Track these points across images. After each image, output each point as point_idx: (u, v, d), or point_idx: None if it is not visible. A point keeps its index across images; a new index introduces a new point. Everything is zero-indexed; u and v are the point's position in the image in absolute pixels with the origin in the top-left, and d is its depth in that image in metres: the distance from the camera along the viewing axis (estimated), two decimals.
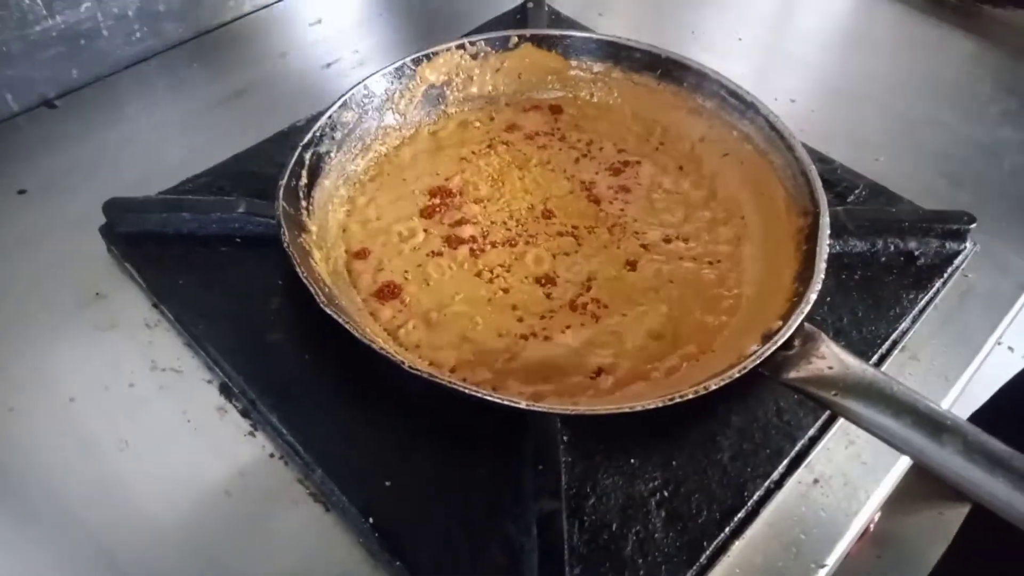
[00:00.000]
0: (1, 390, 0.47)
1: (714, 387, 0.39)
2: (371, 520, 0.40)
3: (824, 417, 0.46)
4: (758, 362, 0.40)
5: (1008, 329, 0.54)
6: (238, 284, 0.51)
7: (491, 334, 0.47)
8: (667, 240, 0.54)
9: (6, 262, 0.54)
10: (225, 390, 0.47)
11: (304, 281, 0.43)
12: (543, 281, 0.51)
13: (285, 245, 0.45)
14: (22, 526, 0.42)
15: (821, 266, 0.45)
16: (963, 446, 0.35)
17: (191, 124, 0.65)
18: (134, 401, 0.47)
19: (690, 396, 0.39)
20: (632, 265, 0.52)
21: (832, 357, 0.40)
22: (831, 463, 0.45)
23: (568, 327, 0.48)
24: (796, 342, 0.42)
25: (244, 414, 0.46)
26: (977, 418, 0.90)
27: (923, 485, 1.19)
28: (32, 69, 0.64)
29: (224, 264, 0.51)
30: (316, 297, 0.42)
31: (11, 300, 0.52)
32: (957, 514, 1.22)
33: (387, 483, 0.42)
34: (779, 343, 0.41)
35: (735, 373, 0.40)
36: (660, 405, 0.39)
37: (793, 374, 0.40)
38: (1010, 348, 1.29)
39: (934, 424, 0.36)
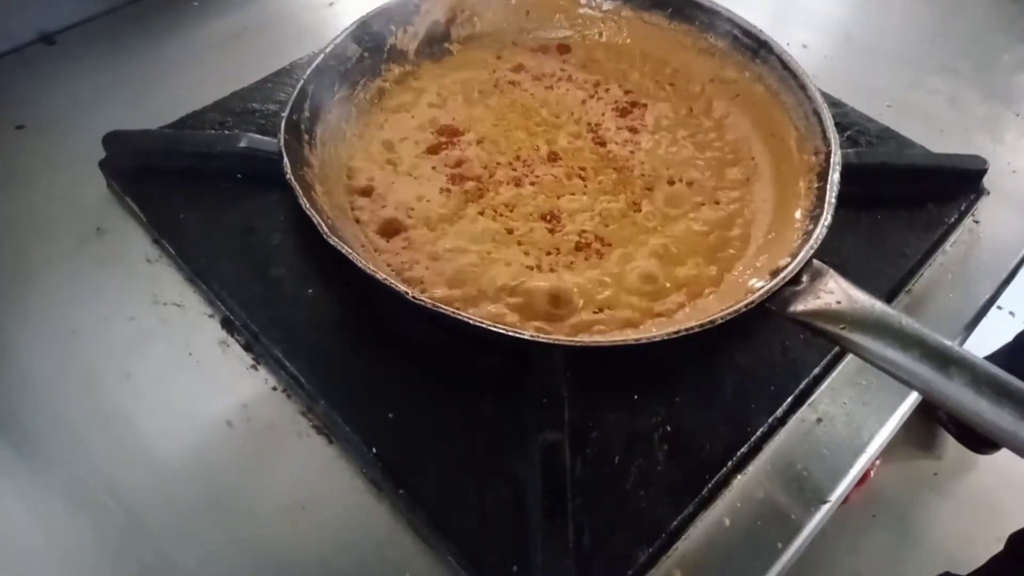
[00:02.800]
0: (2, 324, 0.47)
1: (720, 321, 0.39)
2: (375, 450, 0.40)
3: (829, 357, 0.45)
4: (766, 297, 0.40)
5: (1014, 283, 0.53)
6: (240, 219, 0.50)
7: (495, 270, 0.47)
8: (674, 181, 0.53)
9: (6, 198, 0.53)
10: (227, 324, 0.47)
11: (307, 212, 0.42)
12: (548, 218, 0.50)
13: (287, 177, 0.44)
14: (25, 458, 0.42)
15: (831, 202, 0.44)
16: (971, 378, 0.35)
17: (193, 61, 0.64)
18: (136, 335, 0.47)
19: (696, 330, 0.39)
20: (638, 206, 0.51)
21: (840, 291, 0.40)
22: (835, 403, 0.45)
23: (573, 264, 0.48)
24: (804, 277, 0.41)
25: (246, 348, 0.46)
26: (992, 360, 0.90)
27: (921, 439, 1.20)
28: (30, 5, 0.63)
29: (226, 199, 0.51)
30: (319, 228, 0.42)
31: (11, 235, 0.51)
32: (951, 475, 1.23)
33: (390, 415, 0.42)
34: (788, 278, 0.40)
35: (742, 307, 0.39)
36: (665, 338, 0.38)
37: (800, 308, 0.40)
38: (1011, 313, 1.28)
39: (942, 357, 0.36)
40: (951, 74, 0.68)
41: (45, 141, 0.57)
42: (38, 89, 0.61)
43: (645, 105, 0.58)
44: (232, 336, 0.47)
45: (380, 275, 0.40)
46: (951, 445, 1.23)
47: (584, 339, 0.41)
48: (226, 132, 0.52)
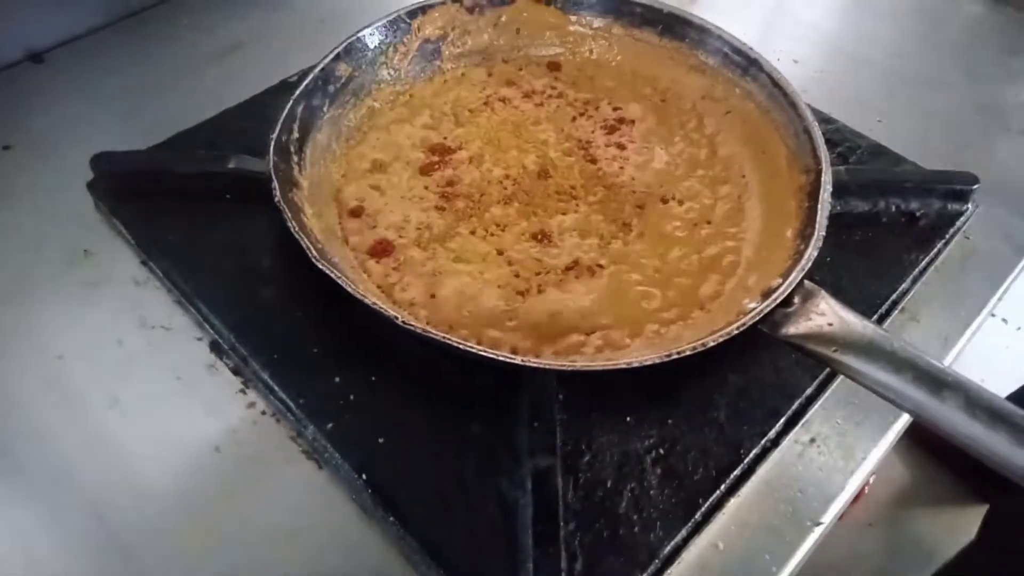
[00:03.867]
0: None
1: (712, 344, 0.39)
2: (364, 477, 0.40)
3: (821, 377, 0.45)
4: (757, 319, 0.40)
5: (1007, 293, 0.53)
6: (229, 241, 0.50)
7: (487, 291, 0.47)
8: (666, 200, 0.53)
9: None
10: (216, 347, 0.46)
11: (296, 236, 0.42)
12: (539, 237, 0.50)
13: (276, 200, 0.44)
14: (11, 484, 0.42)
15: (823, 222, 0.44)
16: (964, 401, 0.35)
17: (182, 79, 0.63)
18: (123, 359, 0.46)
19: (688, 353, 0.38)
20: (629, 224, 0.51)
21: (832, 313, 0.39)
22: (828, 423, 0.45)
23: (564, 284, 0.47)
24: (796, 299, 0.41)
25: (235, 371, 0.46)
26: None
27: (915, 454, 1.20)
28: (18, 24, 0.63)
29: (214, 221, 0.51)
30: (308, 252, 0.41)
31: None
32: (948, 485, 1.23)
33: (380, 440, 0.41)
34: (779, 300, 0.40)
35: (733, 330, 0.39)
36: (657, 361, 0.38)
37: (792, 330, 0.39)
38: (1004, 320, 1.28)
39: (934, 380, 0.36)
40: (942, 86, 0.68)
41: (32, 161, 0.57)
42: (25, 109, 0.60)
43: (634, 122, 0.58)
44: (221, 359, 0.46)
45: (369, 300, 0.39)
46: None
47: (576, 363, 0.41)
48: (215, 153, 0.52)
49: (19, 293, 0.49)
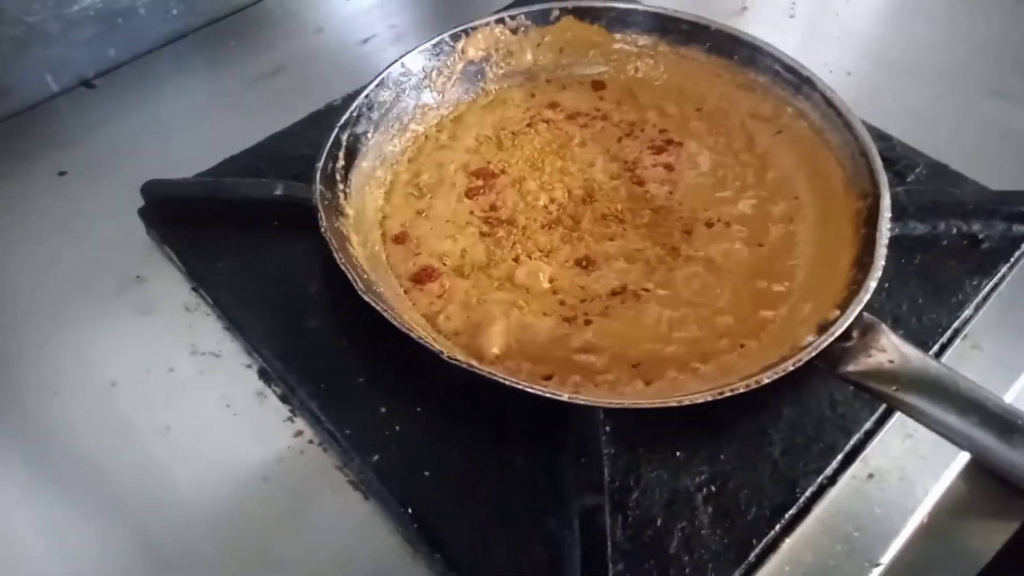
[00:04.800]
0: (45, 374, 0.47)
1: (767, 381, 0.37)
2: (410, 510, 0.40)
3: (881, 410, 0.43)
4: (814, 354, 0.38)
5: None
6: (276, 268, 0.50)
7: (531, 320, 0.46)
8: (715, 223, 0.52)
9: (48, 245, 0.54)
10: (264, 375, 0.47)
11: (342, 267, 0.42)
12: (584, 264, 0.49)
13: (323, 231, 0.44)
14: (63, 509, 0.42)
15: (881, 252, 0.43)
16: None
17: (228, 103, 0.64)
18: (174, 385, 0.47)
19: (741, 390, 0.37)
20: (676, 249, 0.50)
21: (893, 350, 0.38)
22: (887, 457, 0.43)
23: (610, 311, 0.47)
24: (854, 333, 0.40)
25: (283, 399, 0.46)
26: None
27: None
28: (70, 49, 0.64)
29: (262, 247, 0.51)
30: (354, 284, 0.41)
31: (53, 283, 0.52)
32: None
33: (426, 473, 0.41)
34: (836, 334, 0.39)
35: (789, 366, 0.38)
36: (709, 399, 0.37)
37: (851, 367, 0.38)
38: None
39: (1004, 423, 0.34)
40: (1002, 98, 0.65)
41: (86, 187, 0.58)
42: (79, 134, 0.62)
43: (681, 143, 0.56)
44: (269, 387, 0.47)
45: (415, 334, 0.39)
46: None
47: (624, 400, 0.40)
48: (262, 180, 0.52)
49: (74, 318, 0.50)
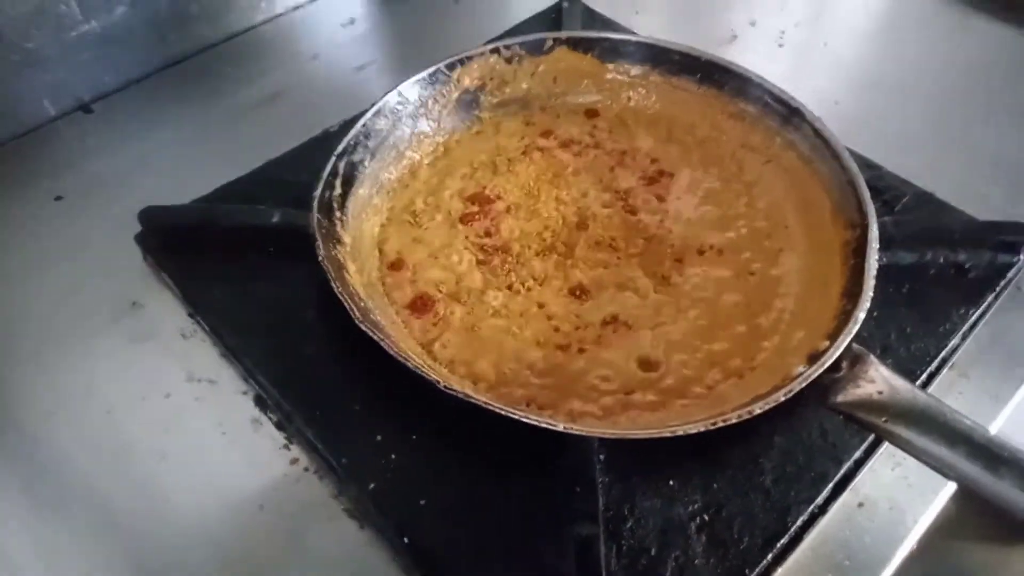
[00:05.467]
0: (41, 400, 0.48)
1: (759, 411, 0.38)
2: (406, 539, 0.40)
3: (870, 439, 0.44)
4: (804, 384, 0.39)
5: None
6: (273, 295, 0.50)
7: (526, 347, 0.47)
8: (706, 251, 0.52)
9: (45, 271, 0.54)
10: (260, 402, 0.47)
11: (339, 296, 0.43)
12: (578, 293, 0.50)
13: (320, 259, 0.45)
14: (60, 534, 0.42)
15: (870, 283, 0.44)
16: (1021, 478, 0.34)
17: (225, 128, 0.65)
18: (170, 412, 0.47)
19: (733, 420, 0.38)
20: (668, 278, 0.51)
21: (882, 381, 0.39)
22: (877, 486, 0.44)
23: (604, 341, 0.47)
24: (844, 364, 0.40)
25: (279, 427, 0.46)
26: None
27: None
28: (68, 74, 0.65)
29: (259, 274, 0.51)
30: (351, 313, 0.42)
31: (49, 309, 0.52)
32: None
33: (422, 501, 0.41)
34: (826, 365, 0.40)
35: (780, 396, 0.38)
36: (703, 429, 0.37)
37: (841, 398, 0.39)
38: None
39: (990, 455, 0.35)
40: (989, 127, 0.66)
41: (82, 213, 0.58)
42: (76, 160, 0.62)
43: (673, 173, 0.57)
44: (265, 414, 0.47)
45: (411, 364, 0.40)
46: None
47: (619, 431, 0.41)
48: (259, 207, 0.52)
49: (70, 345, 0.50)
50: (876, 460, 0.44)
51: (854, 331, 0.41)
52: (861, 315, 0.42)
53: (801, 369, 0.40)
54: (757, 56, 0.71)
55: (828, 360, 0.40)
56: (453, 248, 0.52)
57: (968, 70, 0.73)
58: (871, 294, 0.43)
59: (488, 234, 0.53)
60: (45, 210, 0.58)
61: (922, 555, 0.42)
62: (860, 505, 0.43)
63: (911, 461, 0.44)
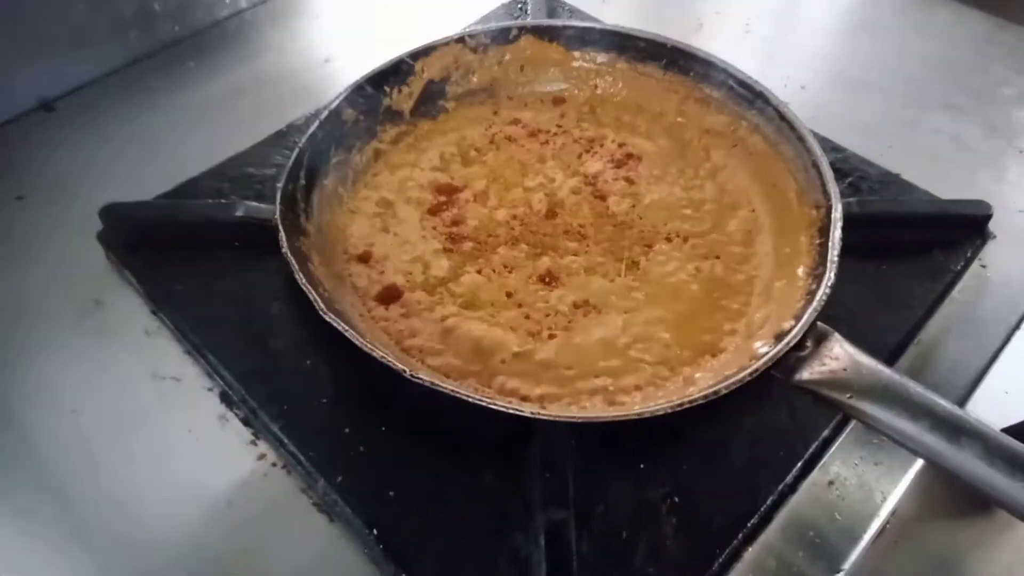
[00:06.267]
0: (4, 402, 0.47)
1: (724, 391, 0.38)
2: (375, 531, 0.40)
3: (838, 418, 0.44)
4: (770, 364, 0.39)
5: None
6: (238, 289, 0.50)
7: (496, 336, 0.46)
8: (674, 237, 0.52)
9: (6, 271, 0.53)
10: (226, 398, 0.46)
11: (303, 287, 0.42)
12: (547, 280, 0.50)
13: (284, 251, 0.44)
14: (25, 538, 0.42)
15: (834, 262, 0.44)
16: (983, 450, 0.34)
17: (189, 124, 0.64)
18: (136, 411, 0.46)
19: (700, 401, 0.38)
20: (637, 263, 0.51)
21: (846, 358, 0.39)
22: (846, 464, 0.44)
23: (574, 327, 0.47)
24: (809, 342, 0.40)
25: (245, 423, 0.46)
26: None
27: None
28: (30, 71, 0.63)
29: (223, 269, 0.51)
30: (315, 304, 0.41)
31: (11, 309, 0.51)
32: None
33: (391, 493, 0.41)
34: (791, 344, 0.40)
35: (746, 376, 0.39)
36: (669, 411, 0.37)
37: (806, 376, 0.39)
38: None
39: (952, 427, 0.35)
40: (951, 110, 0.67)
41: (44, 212, 0.57)
42: (38, 158, 0.61)
43: (640, 158, 0.57)
44: (231, 411, 0.46)
45: (377, 353, 0.39)
46: None
47: (588, 414, 0.41)
48: (222, 201, 0.52)
49: (32, 345, 0.49)
50: (845, 439, 0.45)
51: (818, 310, 0.41)
52: (825, 293, 0.42)
53: (766, 349, 0.40)
54: (723, 44, 0.71)
55: (793, 339, 0.40)
56: (421, 239, 0.52)
57: (931, 58, 0.73)
58: (835, 273, 0.43)
59: (456, 223, 0.53)
60: (6, 210, 0.57)
61: (892, 532, 0.42)
62: (830, 483, 0.43)
63: (878, 441, 0.45)
